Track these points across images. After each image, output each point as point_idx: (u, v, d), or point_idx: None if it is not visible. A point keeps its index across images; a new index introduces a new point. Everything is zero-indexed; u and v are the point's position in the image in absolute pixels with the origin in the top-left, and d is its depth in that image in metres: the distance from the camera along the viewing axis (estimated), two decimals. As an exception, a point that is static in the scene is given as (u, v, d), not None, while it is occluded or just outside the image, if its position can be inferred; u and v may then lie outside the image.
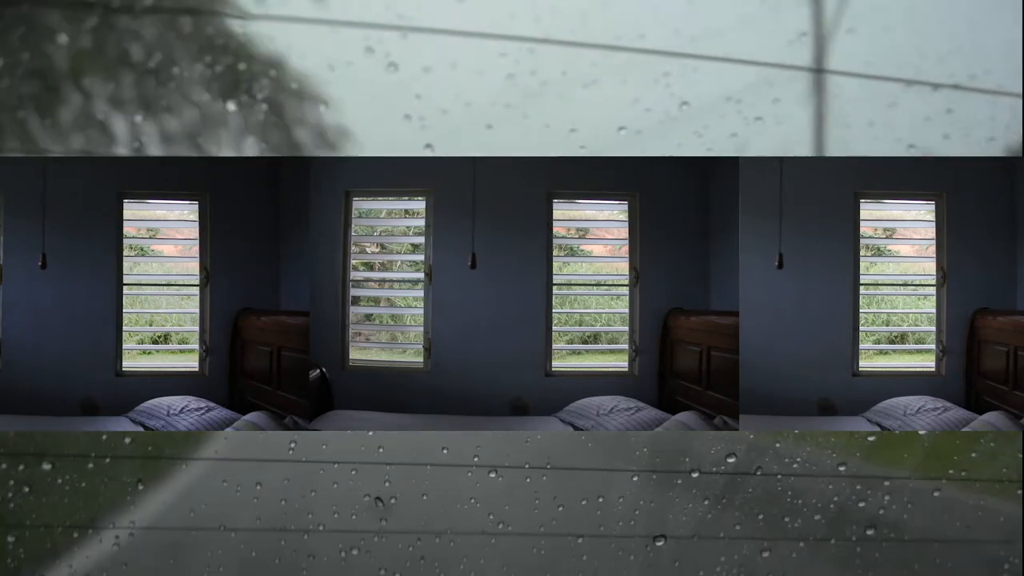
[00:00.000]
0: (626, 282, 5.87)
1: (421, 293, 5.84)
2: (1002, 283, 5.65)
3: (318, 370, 5.57)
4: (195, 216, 5.74)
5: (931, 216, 5.76)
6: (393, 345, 5.92)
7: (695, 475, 4.30)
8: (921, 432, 4.99)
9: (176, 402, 5.15)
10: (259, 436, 4.81)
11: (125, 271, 5.62)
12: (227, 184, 5.73)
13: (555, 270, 5.87)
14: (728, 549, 4.26)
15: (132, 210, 5.67)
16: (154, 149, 4.30)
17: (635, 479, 4.36)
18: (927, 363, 5.73)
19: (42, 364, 5.42)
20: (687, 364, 5.50)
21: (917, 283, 5.78)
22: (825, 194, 5.68)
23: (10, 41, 4.27)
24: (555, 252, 5.87)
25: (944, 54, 4.25)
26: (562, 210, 5.89)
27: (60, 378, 5.42)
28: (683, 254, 5.85)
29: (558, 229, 5.89)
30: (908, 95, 4.29)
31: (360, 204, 5.89)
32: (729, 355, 5.08)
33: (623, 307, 5.87)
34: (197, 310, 5.72)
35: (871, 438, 4.88)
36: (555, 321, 5.87)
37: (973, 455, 4.67)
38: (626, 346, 5.86)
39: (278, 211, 5.79)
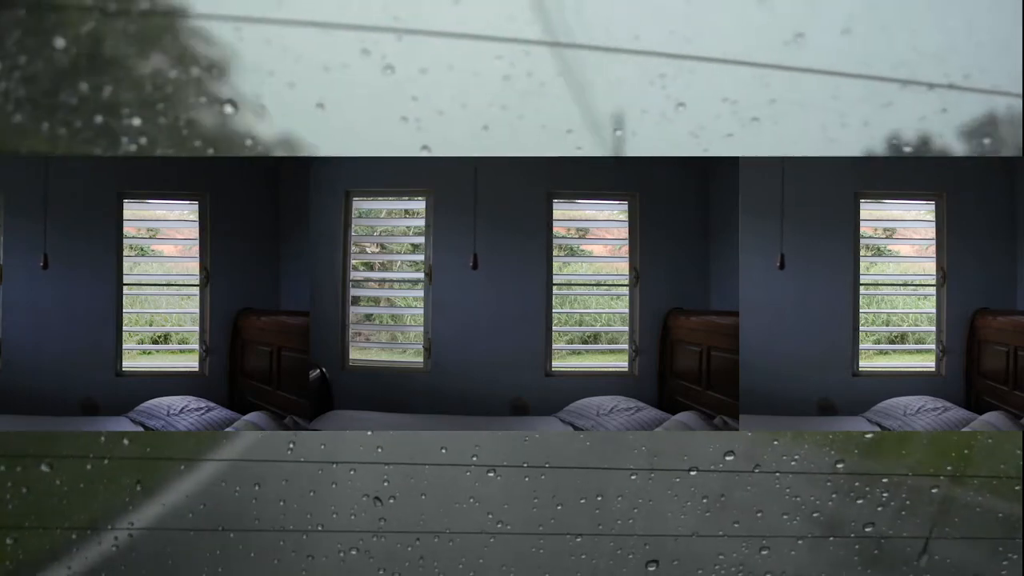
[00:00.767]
0: (626, 282, 5.87)
1: (421, 293, 5.84)
2: (1002, 283, 5.65)
3: (318, 370, 5.58)
4: (195, 216, 5.74)
5: (931, 216, 5.75)
6: (393, 345, 5.93)
7: (693, 473, 4.30)
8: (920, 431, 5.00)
9: (176, 402, 5.15)
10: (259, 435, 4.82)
11: (125, 271, 5.63)
12: (227, 184, 5.73)
13: (555, 270, 5.87)
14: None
15: (132, 210, 5.67)
16: (154, 149, 4.30)
17: (633, 478, 4.36)
18: (927, 363, 5.72)
19: (42, 364, 5.42)
20: (687, 364, 5.50)
21: (917, 283, 5.78)
22: (825, 194, 5.67)
23: (6, 45, 4.27)
24: (555, 252, 5.87)
25: (939, 53, 4.24)
26: (562, 210, 5.89)
27: (60, 378, 5.43)
28: (683, 254, 5.84)
29: (558, 229, 5.89)
30: (904, 95, 4.29)
31: (360, 204, 5.89)
32: (729, 355, 5.07)
33: (623, 307, 5.87)
34: (197, 310, 5.72)
35: (868, 435, 4.88)
36: (555, 321, 5.87)
37: (966, 451, 4.68)
38: (626, 346, 5.86)
39: (278, 211, 5.80)
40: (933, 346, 5.72)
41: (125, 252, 5.63)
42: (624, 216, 5.88)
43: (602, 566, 4.25)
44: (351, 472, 4.22)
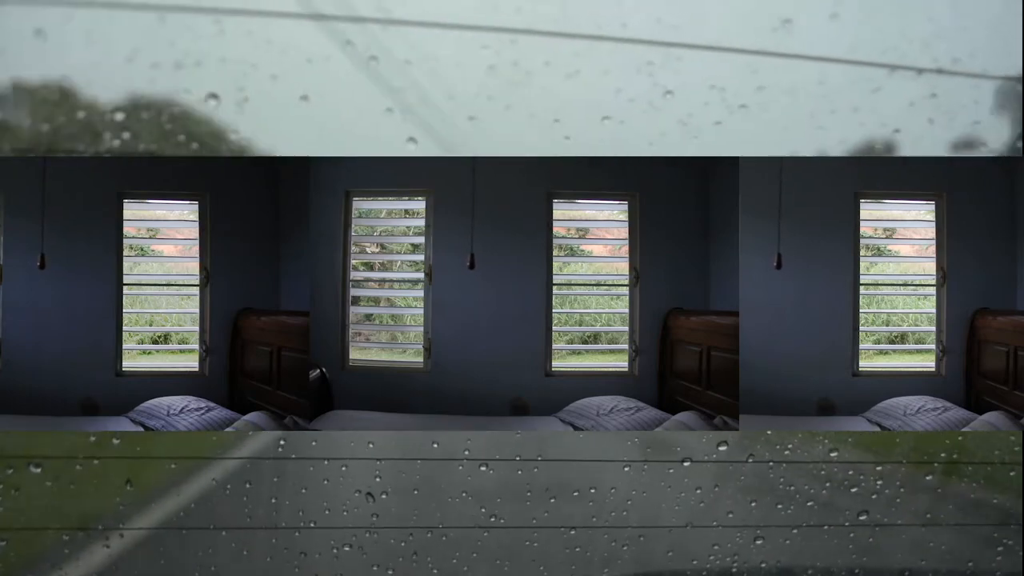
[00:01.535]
0: (626, 282, 5.87)
1: (421, 293, 5.84)
2: (1002, 283, 5.64)
3: (318, 370, 5.58)
4: (195, 216, 5.74)
5: (931, 216, 5.75)
6: (393, 345, 5.93)
7: (687, 464, 4.28)
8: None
9: (176, 402, 5.15)
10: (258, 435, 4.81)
11: (125, 271, 5.63)
12: (227, 184, 5.73)
13: (555, 270, 5.86)
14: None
15: (132, 210, 5.67)
16: (137, 144, 4.27)
17: (627, 469, 4.34)
18: (927, 363, 5.72)
19: (42, 364, 5.42)
20: (687, 364, 5.50)
21: (917, 283, 5.78)
22: (825, 194, 5.67)
23: None
24: (555, 252, 5.87)
25: (927, 38, 4.23)
26: (562, 210, 5.89)
27: (60, 378, 5.43)
28: (683, 254, 5.84)
29: (558, 229, 5.89)
30: (892, 80, 4.28)
31: (360, 204, 5.89)
32: (729, 355, 5.07)
33: (623, 307, 5.87)
34: (197, 310, 5.72)
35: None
36: (555, 321, 5.87)
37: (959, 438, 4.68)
38: (626, 346, 5.86)
39: (278, 211, 5.80)
40: (933, 346, 5.72)
41: (125, 252, 5.63)
42: (624, 216, 5.88)
43: (596, 559, 4.24)
44: (343, 468, 4.20)
